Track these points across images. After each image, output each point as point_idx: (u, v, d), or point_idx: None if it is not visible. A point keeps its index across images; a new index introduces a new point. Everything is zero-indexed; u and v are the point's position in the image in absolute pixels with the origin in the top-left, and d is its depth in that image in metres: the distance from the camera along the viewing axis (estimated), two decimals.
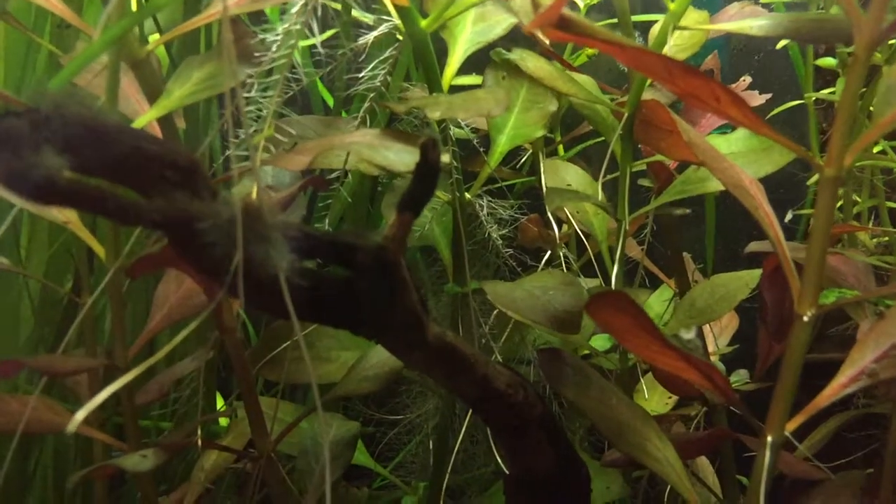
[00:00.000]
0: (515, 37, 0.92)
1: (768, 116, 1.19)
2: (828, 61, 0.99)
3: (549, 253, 1.04)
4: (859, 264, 0.95)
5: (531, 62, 0.73)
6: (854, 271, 0.92)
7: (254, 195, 0.60)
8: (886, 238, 1.04)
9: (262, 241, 0.52)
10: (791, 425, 0.63)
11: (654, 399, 0.95)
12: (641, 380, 0.97)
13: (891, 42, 0.97)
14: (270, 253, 0.52)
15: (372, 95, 0.70)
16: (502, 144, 0.88)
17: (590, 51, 1.05)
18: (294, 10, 0.61)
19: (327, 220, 0.96)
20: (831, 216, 0.57)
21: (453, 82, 1.06)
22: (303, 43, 0.63)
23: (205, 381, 0.87)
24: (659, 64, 0.52)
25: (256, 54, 0.63)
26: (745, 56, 1.23)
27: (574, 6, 1.09)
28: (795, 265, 0.62)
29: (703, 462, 1.06)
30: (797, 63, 1.12)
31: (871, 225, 1.10)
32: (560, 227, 1.00)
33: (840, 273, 0.91)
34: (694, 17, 0.76)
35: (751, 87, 1.09)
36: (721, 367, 1.03)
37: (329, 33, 0.81)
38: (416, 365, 0.69)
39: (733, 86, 1.08)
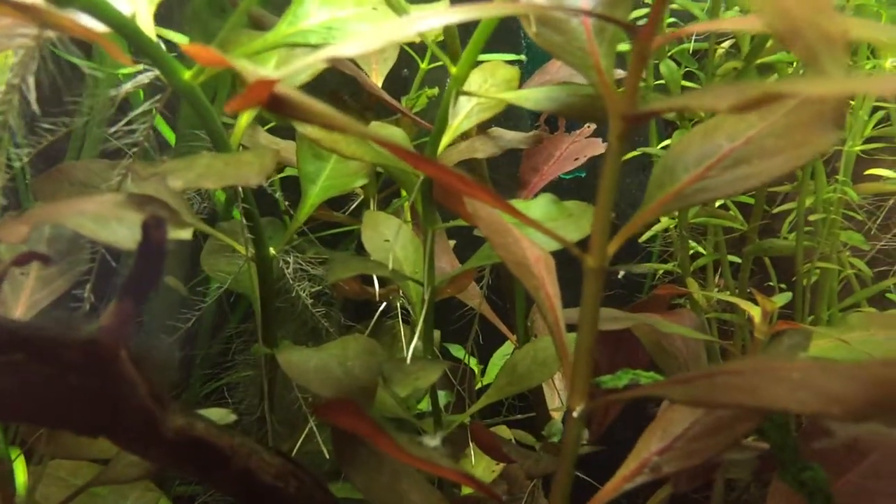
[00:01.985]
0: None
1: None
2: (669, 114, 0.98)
3: (384, 304, 0.99)
4: (692, 322, 0.93)
5: (309, 128, 0.67)
6: (682, 338, 0.90)
7: None
8: (727, 293, 1.03)
9: None
10: None
11: (481, 465, 0.91)
12: (471, 444, 0.93)
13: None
14: None
15: (135, 150, 0.62)
16: (314, 196, 0.82)
17: (430, 91, 1.01)
18: (15, 60, 0.53)
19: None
20: (597, 308, 0.53)
21: None
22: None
23: None
24: (400, 152, 0.46)
25: None
26: None
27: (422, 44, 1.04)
28: None
29: None
30: None
31: (717, 279, 1.09)
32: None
33: (668, 337, 0.89)
34: (503, 73, 0.72)
35: (599, 134, 1.07)
36: (559, 426, 0.99)
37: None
38: (156, 462, 0.61)
39: (578, 132, 1.05)
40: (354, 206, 0.99)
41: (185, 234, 0.53)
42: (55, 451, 0.78)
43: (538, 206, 0.68)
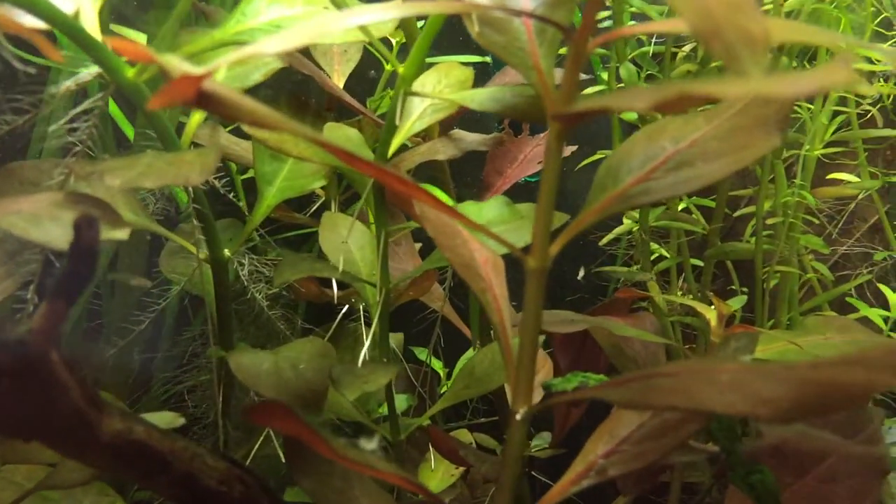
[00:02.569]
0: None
1: (581, 165, 1.17)
2: (630, 115, 0.98)
3: (346, 308, 0.98)
4: (652, 326, 0.93)
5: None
6: (641, 342, 0.89)
7: None
8: (690, 296, 1.03)
9: None
10: None
11: (441, 470, 0.90)
12: (431, 450, 0.92)
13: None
14: None
15: (78, 149, 0.61)
16: (270, 197, 0.81)
17: (392, 92, 1.00)
18: None
19: None
20: (540, 307, 0.53)
21: None
22: None
23: None
24: (337, 152, 0.46)
25: None
26: None
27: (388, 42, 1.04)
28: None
29: None
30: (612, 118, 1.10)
31: (680, 282, 1.09)
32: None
33: (626, 340, 0.89)
34: (457, 74, 0.72)
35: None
36: None
37: None
38: (94, 466, 0.60)
39: (542, 135, 1.05)
40: (316, 207, 0.98)
41: (122, 234, 0.52)
42: (10, 456, 0.76)
43: (491, 209, 0.67)
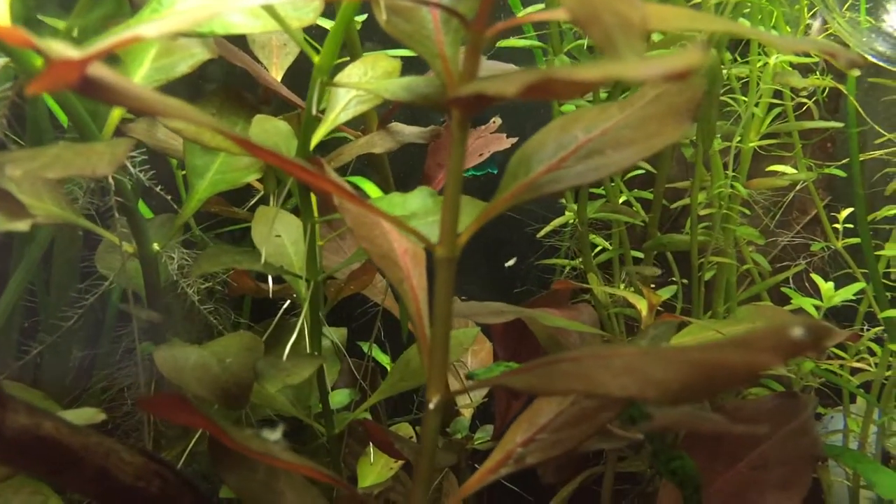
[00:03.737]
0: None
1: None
2: (567, 107, 0.98)
3: (287, 302, 0.97)
4: (589, 318, 0.94)
5: (161, 130, 0.65)
6: (579, 333, 0.90)
7: None
8: (631, 288, 1.04)
9: None
10: None
11: (379, 464, 0.90)
12: (371, 444, 0.92)
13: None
14: None
15: None
16: (201, 191, 0.80)
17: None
18: None
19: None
20: (450, 297, 0.53)
21: None
22: None
23: None
24: (248, 146, 0.45)
25: None
26: None
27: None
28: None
29: None
30: (553, 105, 1.11)
31: (622, 275, 1.10)
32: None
33: (563, 332, 0.89)
34: (384, 65, 0.71)
35: (506, 129, 1.07)
36: (464, 423, 0.99)
37: None
38: (2, 463, 0.59)
39: (483, 127, 1.05)
40: (255, 201, 0.97)
41: (23, 225, 0.51)
42: None
43: (415, 200, 0.67)
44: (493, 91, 0.35)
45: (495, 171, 1.17)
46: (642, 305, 0.78)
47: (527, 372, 0.48)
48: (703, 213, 0.96)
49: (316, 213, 0.95)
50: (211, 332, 0.93)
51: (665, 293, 0.78)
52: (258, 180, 0.97)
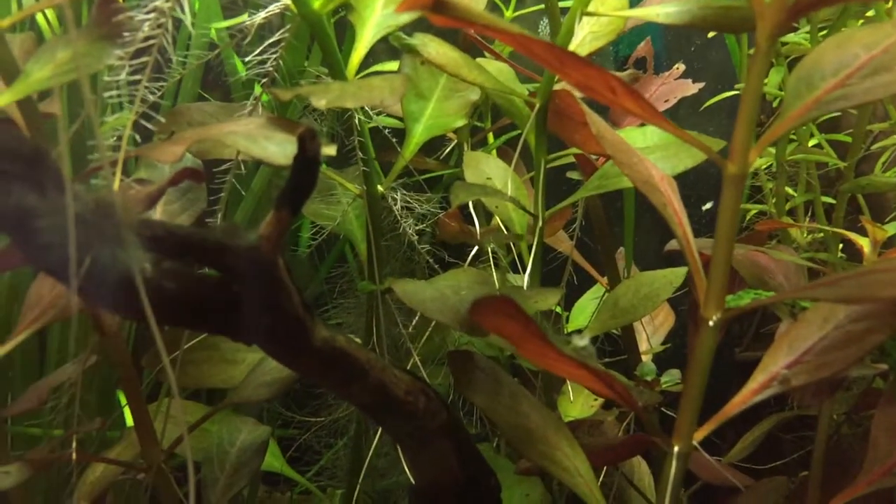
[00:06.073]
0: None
1: (706, 105, 1.17)
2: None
3: (475, 249, 1.00)
4: (790, 262, 0.93)
5: (433, 48, 0.68)
6: (784, 270, 0.89)
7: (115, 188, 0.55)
8: (821, 234, 1.02)
9: (112, 240, 0.47)
10: (700, 434, 0.60)
11: (580, 401, 0.92)
12: (568, 382, 0.94)
13: (805, 32, 0.95)
14: (119, 253, 0.47)
15: (264, 80, 0.65)
16: (418, 135, 0.83)
17: None
18: None
19: (237, 216, 0.91)
20: (736, 215, 0.54)
21: (377, 68, 1.01)
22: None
23: (100, 386, 0.81)
24: (548, 53, 0.48)
25: (128, 34, 0.58)
26: (682, 43, 1.20)
27: None
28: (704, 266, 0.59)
29: (643, 467, 1.03)
30: (733, 51, 1.09)
31: (806, 221, 1.08)
32: (490, 221, 0.96)
33: (769, 271, 0.89)
34: (611, 2, 0.72)
35: (688, 75, 1.06)
36: (651, 367, 1.00)
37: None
38: (303, 372, 0.64)
39: (667, 73, 1.04)
40: (449, 150, 1.00)
41: (330, 149, 0.55)
42: (184, 382, 0.81)
43: (653, 134, 0.69)
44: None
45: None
46: (864, 243, 0.77)
47: (834, 285, 0.49)
48: None
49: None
50: (411, 274, 0.98)
51: (892, 228, 0.77)
52: (453, 132, 1.00)
